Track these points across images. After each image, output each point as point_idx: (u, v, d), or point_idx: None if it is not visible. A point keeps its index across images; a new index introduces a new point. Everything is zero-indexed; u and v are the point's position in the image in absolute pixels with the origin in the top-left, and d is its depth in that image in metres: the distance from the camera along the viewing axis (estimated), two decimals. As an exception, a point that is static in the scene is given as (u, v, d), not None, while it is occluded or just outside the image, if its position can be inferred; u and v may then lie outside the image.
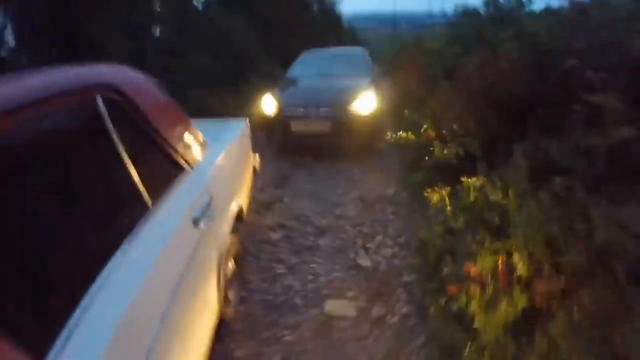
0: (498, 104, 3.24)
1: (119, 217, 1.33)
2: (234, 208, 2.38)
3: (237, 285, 2.60)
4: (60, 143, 1.17)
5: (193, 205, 1.74)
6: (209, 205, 1.87)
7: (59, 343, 0.89)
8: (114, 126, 1.36)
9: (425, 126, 4.22)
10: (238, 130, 2.97)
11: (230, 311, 2.37)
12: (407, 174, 4.36)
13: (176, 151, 1.78)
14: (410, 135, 4.23)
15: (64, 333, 0.91)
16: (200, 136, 2.18)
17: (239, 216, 2.52)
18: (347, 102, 5.16)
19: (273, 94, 5.61)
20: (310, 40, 27.01)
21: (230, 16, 20.66)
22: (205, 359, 1.69)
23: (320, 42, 27.93)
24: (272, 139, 5.62)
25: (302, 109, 5.19)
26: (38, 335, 0.87)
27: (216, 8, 21.94)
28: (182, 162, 1.83)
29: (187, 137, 1.96)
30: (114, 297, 1.07)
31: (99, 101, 1.34)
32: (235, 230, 2.38)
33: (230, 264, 2.35)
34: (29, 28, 11.07)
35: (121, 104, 1.47)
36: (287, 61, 19.83)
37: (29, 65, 10.50)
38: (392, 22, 36.10)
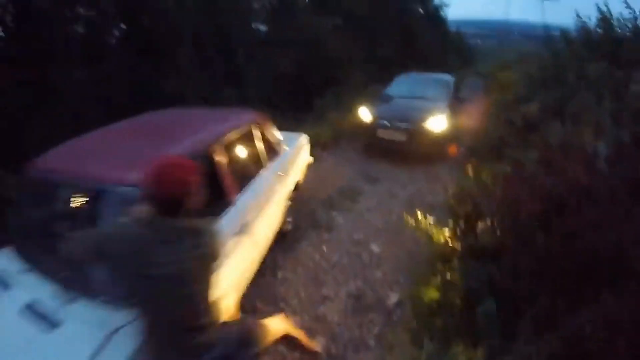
0: (557, 256, 2.01)
1: (256, 168, 3.54)
2: (293, 180, 4.45)
3: (291, 213, 4.46)
4: (245, 143, 3.45)
5: (279, 169, 3.97)
6: (283, 173, 4.07)
7: (235, 202, 2.93)
8: (257, 136, 3.63)
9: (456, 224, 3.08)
10: (300, 140, 5.01)
11: (286, 226, 4.36)
12: (421, 279, 3.23)
13: (274, 148, 4.01)
14: (437, 234, 3.12)
15: (235, 201, 2.95)
16: (283, 143, 4.34)
17: (297, 186, 4.64)
18: (422, 120, 6.41)
19: (368, 107, 7.20)
20: (409, 47, 25.45)
21: (321, 18, 20.02)
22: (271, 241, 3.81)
23: (421, 49, 26.23)
24: (362, 139, 7.35)
25: (387, 121, 6.59)
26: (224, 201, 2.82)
27: (307, 9, 21.50)
28: (276, 152, 4.03)
29: (278, 142, 4.18)
30: (251, 194, 3.19)
31: (253, 127, 3.60)
32: (294, 189, 4.49)
33: (288, 202, 4.28)
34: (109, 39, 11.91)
35: (258, 127, 3.70)
36: (383, 69, 18.65)
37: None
38: (502, 30, 32.59)
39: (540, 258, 1.96)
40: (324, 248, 4.29)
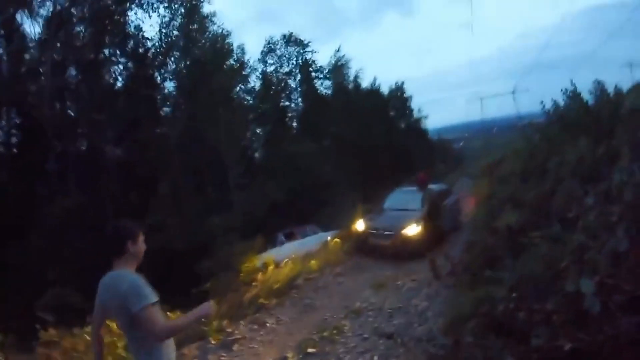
0: None
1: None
2: (329, 237, 9.52)
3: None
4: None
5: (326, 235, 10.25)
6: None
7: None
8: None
9: None
10: (329, 234, 10.00)
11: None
12: None
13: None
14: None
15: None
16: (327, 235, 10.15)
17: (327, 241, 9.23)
18: (401, 228, 7.73)
19: (363, 219, 8.62)
20: (398, 160, 26.44)
21: (311, 144, 20.97)
22: None
23: (409, 160, 27.23)
24: (356, 245, 8.45)
25: (376, 230, 8.03)
26: None
27: (298, 136, 22.81)
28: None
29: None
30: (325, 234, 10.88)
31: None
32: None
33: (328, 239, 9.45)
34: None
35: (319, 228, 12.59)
36: (376, 185, 18.92)
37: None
38: (482, 130, 34.53)
39: None
40: None
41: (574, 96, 6.21)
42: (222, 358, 4.16)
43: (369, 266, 7.41)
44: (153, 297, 1.85)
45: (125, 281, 1.89)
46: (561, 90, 6.26)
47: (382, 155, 25.79)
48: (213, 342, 4.44)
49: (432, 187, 9.52)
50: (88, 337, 3.97)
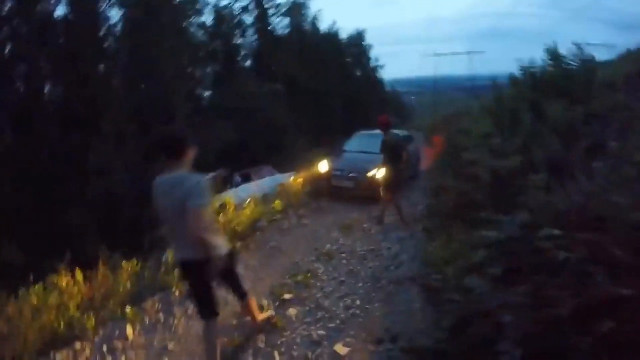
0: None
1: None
2: (290, 180, 8.97)
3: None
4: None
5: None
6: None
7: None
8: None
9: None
10: (287, 176, 10.05)
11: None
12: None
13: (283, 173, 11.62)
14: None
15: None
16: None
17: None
18: (366, 170, 7.66)
19: (327, 160, 8.51)
20: (352, 107, 26.13)
21: (264, 85, 19.99)
22: None
23: (362, 108, 27.04)
24: (319, 186, 8.29)
25: (340, 172, 7.99)
26: None
27: (250, 76, 21.58)
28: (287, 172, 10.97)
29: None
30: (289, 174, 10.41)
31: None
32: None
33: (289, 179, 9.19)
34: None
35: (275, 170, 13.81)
36: (328, 131, 18.57)
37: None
38: (433, 86, 34.90)
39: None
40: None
41: (554, 57, 6.06)
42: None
43: (333, 208, 7.22)
44: (209, 200, 2.17)
45: (192, 180, 2.10)
46: (545, 49, 6.11)
47: (336, 101, 25.37)
48: (177, 293, 3.75)
49: (395, 131, 9.37)
50: (35, 301, 3.33)
